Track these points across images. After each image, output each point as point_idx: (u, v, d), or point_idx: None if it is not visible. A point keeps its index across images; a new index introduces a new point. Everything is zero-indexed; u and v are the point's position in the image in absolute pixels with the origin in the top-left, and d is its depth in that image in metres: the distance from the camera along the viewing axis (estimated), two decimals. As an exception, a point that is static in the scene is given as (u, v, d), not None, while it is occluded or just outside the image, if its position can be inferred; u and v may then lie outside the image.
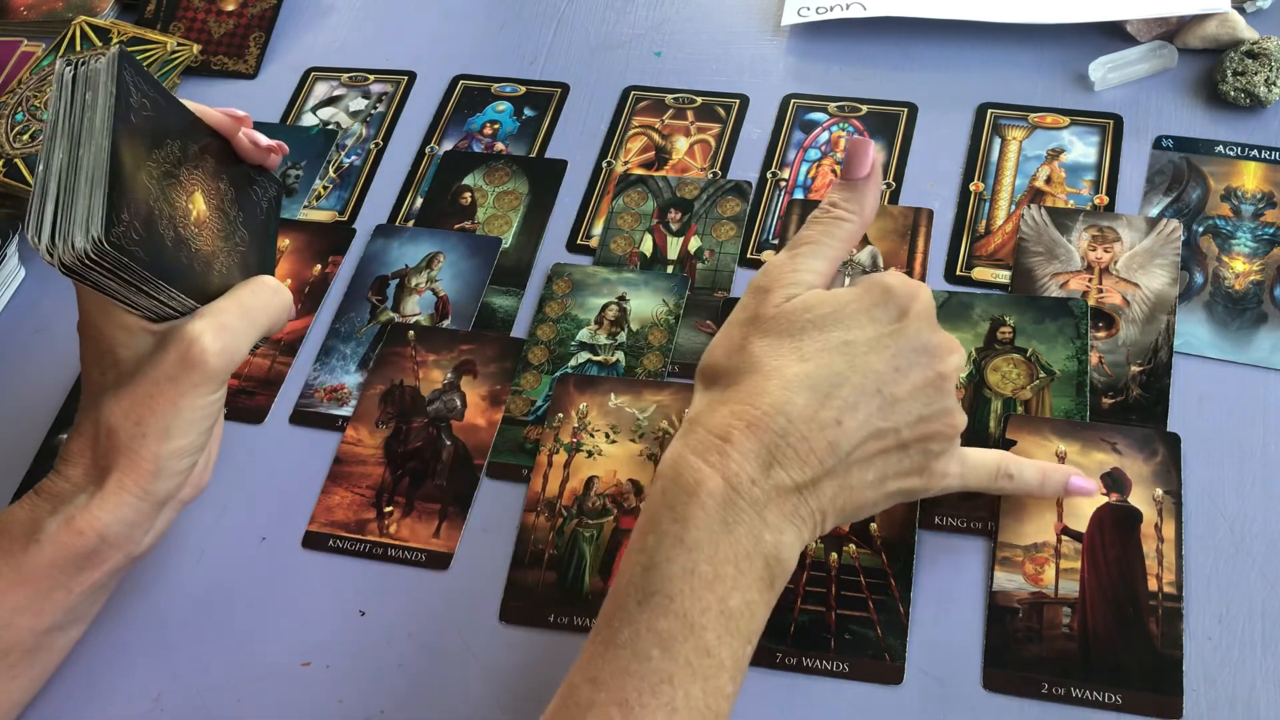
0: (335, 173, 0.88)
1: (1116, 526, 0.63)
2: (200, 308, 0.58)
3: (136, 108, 0.56)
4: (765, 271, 0.57)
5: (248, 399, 0.77)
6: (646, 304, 0.76)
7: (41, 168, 0.53)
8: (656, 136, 0.86)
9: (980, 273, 0.75)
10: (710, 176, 0.83)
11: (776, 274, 0.56)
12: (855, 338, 0.54)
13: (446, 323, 0.78)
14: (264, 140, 0.66)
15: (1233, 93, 0.78)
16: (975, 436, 0.67)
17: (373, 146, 0.89)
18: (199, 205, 0.60)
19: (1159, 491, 0.63)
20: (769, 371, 0.53)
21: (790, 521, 0.52)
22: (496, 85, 0.92)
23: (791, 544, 0.52)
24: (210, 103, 0.65)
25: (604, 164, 0.85)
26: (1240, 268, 0.72)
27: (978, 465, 0.59)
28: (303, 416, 0.75)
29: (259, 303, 0.60)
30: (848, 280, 0.75)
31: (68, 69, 0.55)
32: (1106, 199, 0.76)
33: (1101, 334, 0.70)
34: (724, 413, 0.53)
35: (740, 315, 0.56)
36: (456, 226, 0.83)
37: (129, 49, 0.90)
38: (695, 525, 0.50)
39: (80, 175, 0.53)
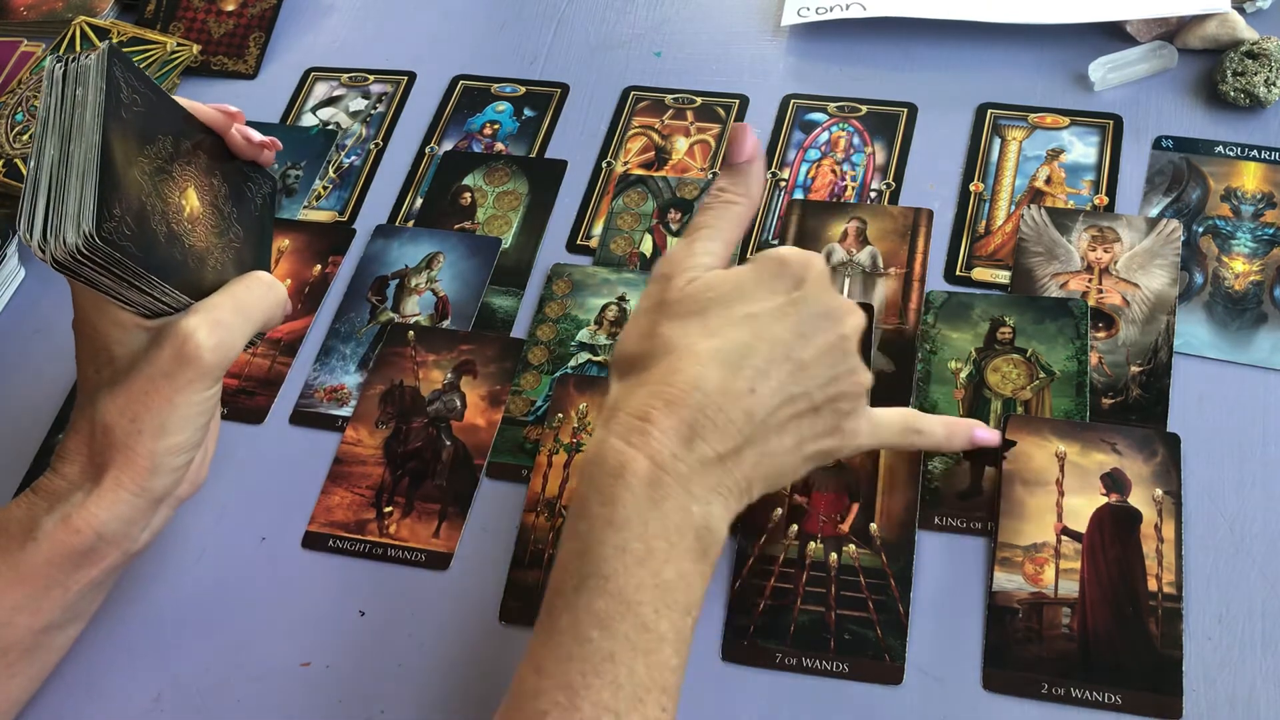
0: (335, 173, 0.88)
1: (1116, 527, 0.63)
2: (194, 303, 0.58)
3: (127, 103, 0.56)
4: (665, 259, 0.58)
5: (248, 399, 0.76)
6: (646, 304, 0.76)
7: (33, 164, 0.53)
8: (656, 137, 0.86)
9: (980, 273, 0.75)
10: (710, 177, 0.83)
11: (677, 260, 0.57)
12: (758, 310, 0.55)
13: (446, 323, 0.78)
14: (256, 136, 0.66)
15: (1233, 93, 0.78)
16: (975, 437, 0.67)
17: (373, 147, 0.89)
18: (192, 201, 0.60)
19: (1159, 492, 0.63)
20: (681, 351, 0.54)
21: (716, 493, 0.53)
22: (496, 85, 0.92)
23: (719, 514, 0.53)
24: (208, 102, 0.65)
25: (604, 164, 0.85)
26: (1240, 268, 0.72)
27: (886, 423, 0.59)
28: (303, 417, 0.75)
29: (253, 298, 0.60)
30: (847, 281, 0.75)
31: (58, 65, 0.55)
32: (1106, 199, 0.76)
33: (1101, 334, 0.70)
34: (641, 394, 0.53)
35: (646, 303, 0.57)
36: (456, 227, 0.83)
37: (128, 49, 0.90)
38: (623, 505, 0.51)
39: (71, 171, 0.53)
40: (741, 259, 0.78)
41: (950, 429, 0.62)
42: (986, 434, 0.63)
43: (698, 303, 0.55)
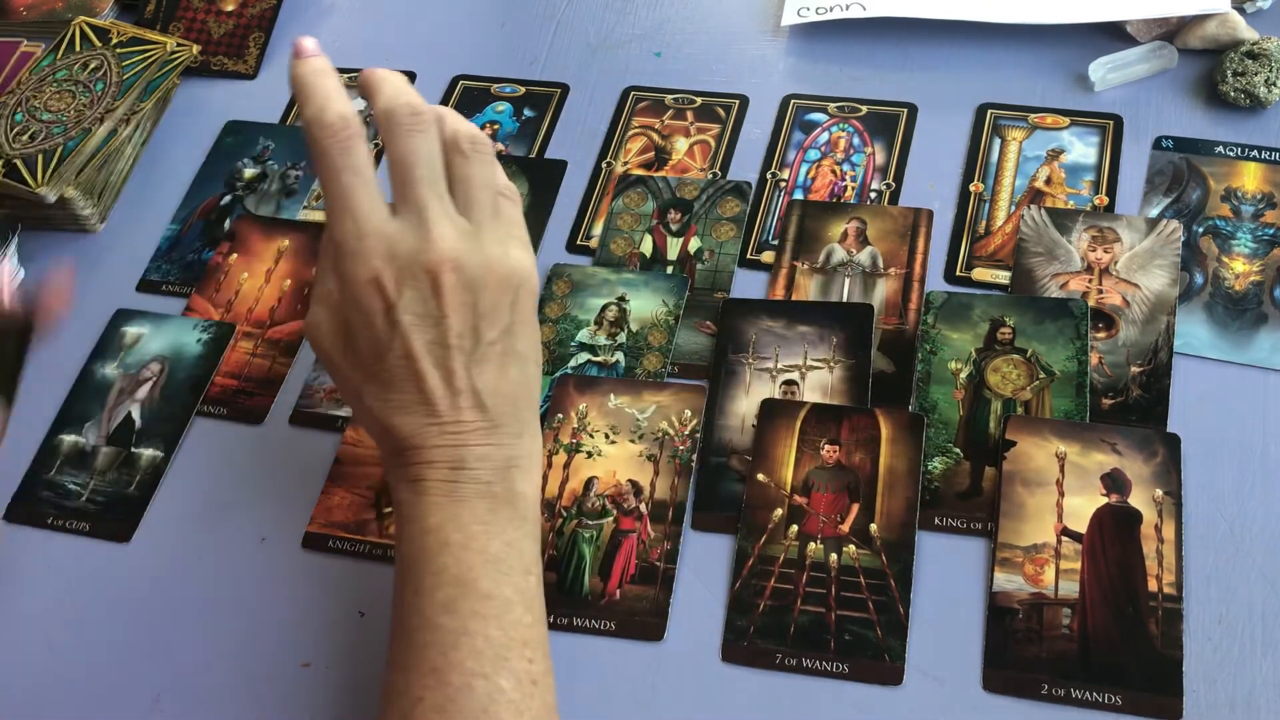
0: (335, 173, 0.88)
1: (1116, 527, 0.63)
2: None
3: None
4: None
5: (247, 399, 0.76)
6: (646, 305, 0.76)
7: None
8: (656, 137, 0.86)
9: (980, 273, 0.75)
10: (710, 177, 0.83)
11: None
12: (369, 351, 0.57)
13: (446, 323, 0.78)
14: None
15: (1233, 93, 0.78)
16: (975, 436, 0.67)
17: (372, 147, 0.89)
18: None
19: (1159, 492, 0.63)
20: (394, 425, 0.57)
21: (507, 467, 0.57)
22: (496, 86, 0.91)
23: (520, 479, 0.57)
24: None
25: (604, 164, 0.85)
26: (1240, 268, 0.72)
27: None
28: (303, 417, 0.75)
29: None
30: (847, 281, 0.75)
31: None
32: (1106, 199, 0.76)
33: (1101, 334, 0.70)
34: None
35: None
36: (456, 227, 0.83)
37: (128, 49, 0.90)
38: (430, 513, 0.55)
39: None
40: (741, 258, 0.78)
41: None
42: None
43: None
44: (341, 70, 0.94)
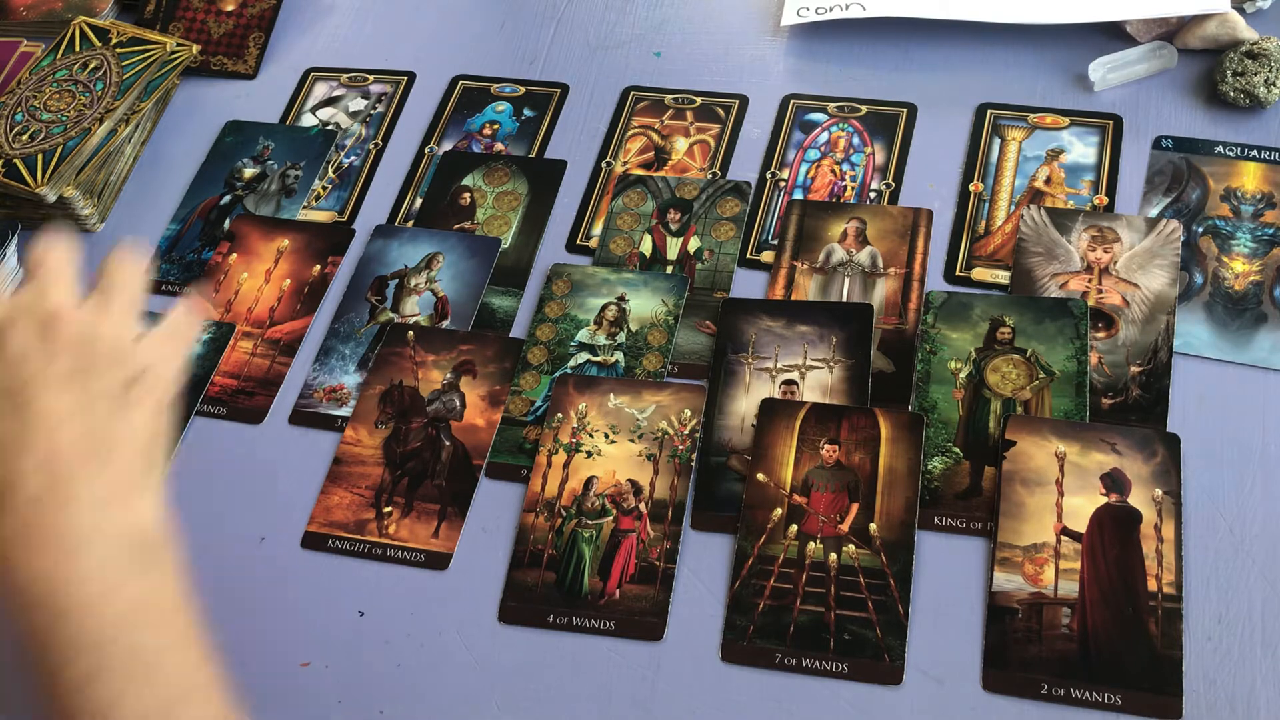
0: (334, 173, 0.88)
1: (1116, 527, 0.63)
2: None
3: None
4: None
5: (247, 399, 0.76)
6: (646, 304, 0.76)
7: None
8: (656, 137, 0.86)
9: (980, 273, 0.75)
10: (710, 177, 0.83)
11: None
12: None
13: (446, 323, 0.78)
14: None
15: (1232, 93, 0.78)
16: (975, 436, 0.67)
17: (372, 147, 0.89)
18: None
19: (1158, 492, 0.63)
20: None
21: (127, 500, 0.52)
22: (496, 85, 0.91)
23: (150, 506, 0.53)
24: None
25: (603, 164, 0.85)
26: (1240, 268, 0.72)
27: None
28: (302, 417, 0.75)
29: None
30: (847, 281, 0.75)
31: None
32: (1106, 199, 0.76)
33: (1101, 334, 0.70)
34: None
35: None
36: (456, 227, 0.83)
37: (128, 49, 0.90)
38: (42, 580, 0.49)
39: None
40: (741, 258, 0.78)
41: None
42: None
43: None
44: (341, 70, 0.94)
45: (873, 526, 0.65)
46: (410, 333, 0.77)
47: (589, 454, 0.70)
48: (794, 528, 0.65)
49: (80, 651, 0.49)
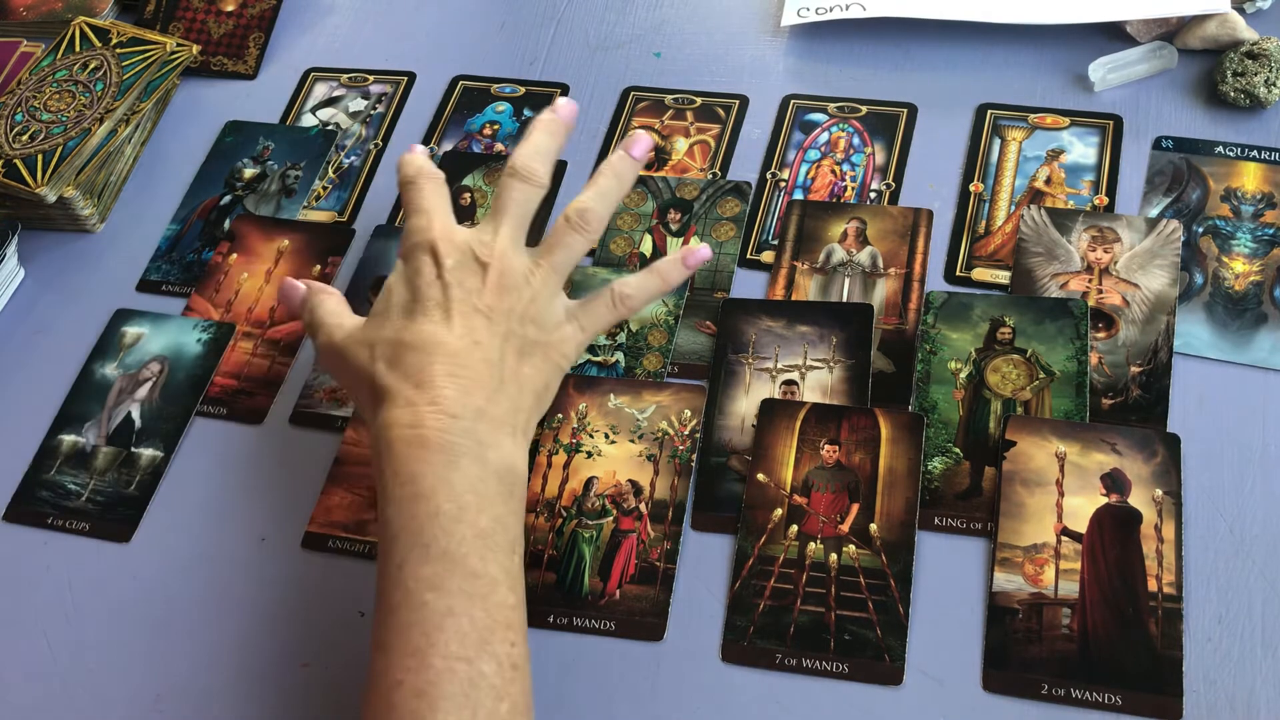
0: (335, 173, 0.88)
1: (1116, 527, 0.63)
2: None
3: None
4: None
5: (247, 399, 0.76)
6: (646, 304, 0.76)
7: None
8: (656, 137, 0.86)
9: (980, 273, 0.75)
10: (710, 177, 0.83)
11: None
12: (394, 297, 0.63)
13: (446, 323, 0.78)
14: None
15: (1232, 93, 0.78)
16: (975, 436, 0.67)
17: (372, 147, 0.89)
18: None
19: (1159, 492, 0.63)
20: (408, 341, 0.60)
21: (501, 433, 0.58)
22: (496, 86, 0.91)
23: (512, 452, 0.58)
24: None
25: (604, 164, 0.85)
26: (1240, 268, 0.72)
27: (592, 311, 0.65)
28: (302, 417, 0.75)
29: None
30: (847, 281, 0.75)
31: None
32: (1106, 199, 0.76)
33: (1101, 334, 0.70)
34: (398, 377, 0.59)
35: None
36: (456, 227, 0.83)
37: (128, 49, 0.90)
38: (424, 478, 0.55)
39: None
40: (741, 258, 0.78)
41: (660, 272, 0.67)
42: (698, 255, 0.67)
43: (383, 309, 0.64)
44: (341, 70, 0.94)
45: (873, 527, 0.65)
46: (410, 333, 0.77)
47: (589, 454, 0.70)
48: (794, 528, 0.65)
49: (437, 556, 0.53)
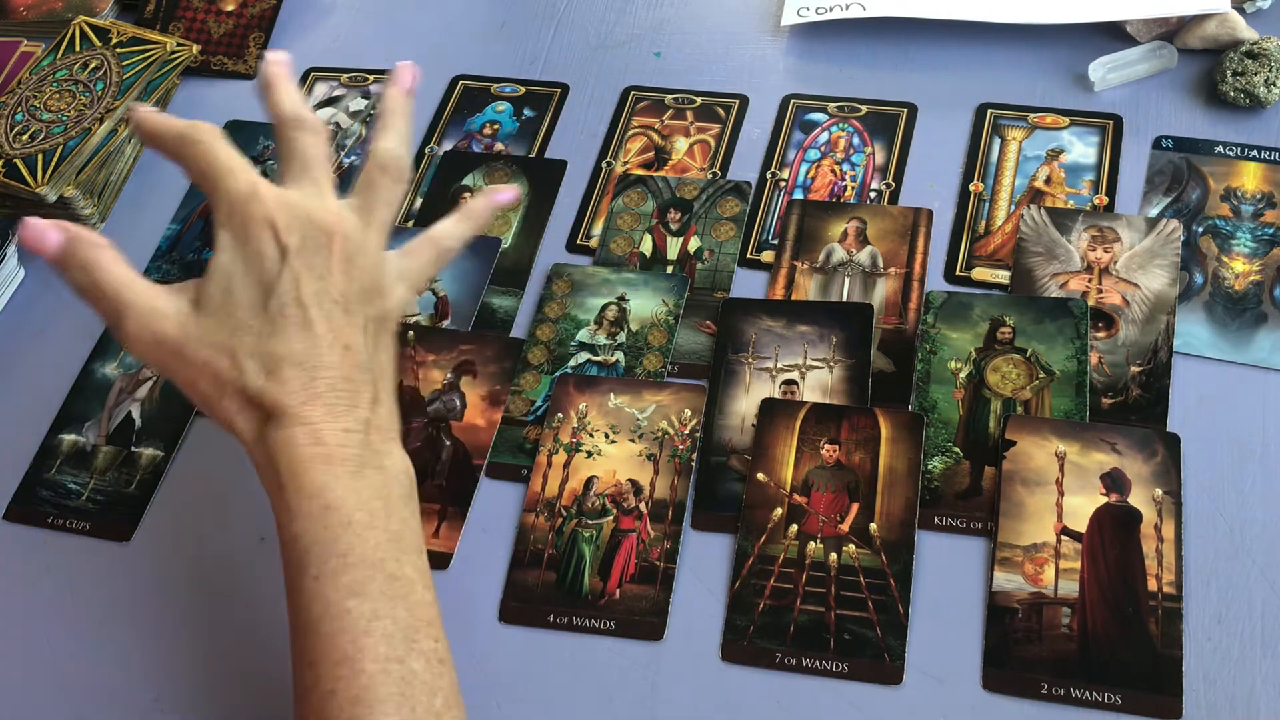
0: (335, 173, 0.88)
1: (1116, 527, 0.63)
2: None
3: None
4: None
5: (247, 399, 0.76)
6: (646, 304, 0.76)
7: None
8: (656, 137, 0.86)
9: (980, 273, 0.75)
10: (710, 177, 0.83)
11: None
12: (238, 289, 0.56)
13: (446, 323, 0.78)
14: None
15: (1232, 93, 0.78)
16: (975, 436, 0.67)
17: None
18: None
19: (1159, 492, 0.63)
20: (282, 354, 0.56)
21: (388, 438, 0.57)
22: (496, 85, 0.92)
23: (400, 453, 0.57)
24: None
25: (604, 164, 0.85)
26: (1240, 268, 0.72)
27: (418, 267, 0.62)
28: (302, 417, 0.75)
29: None
30: (847, 281, 0.75)
31: None
32: (1106, 199, 0.76)
33: (1101, 334, 0.70)
34: (289, 398, 0.55)
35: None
36: (456, 227, 0.83)
37: (128, 49, 0.90)
38: (332, 489, 0.54)
39: None
40: (741, 258, 0.78)
41: (471, 212, 0.65)
42: (505, 195, 0.67)
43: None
44: (341, 70, 0.94)
45: (873, 526, 0.65)
46: (410, 333, 0.77)
47: (589, 454, 0.70)
48: (794, 528, 0.65)
49: (355, 563, 0.53)
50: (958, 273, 0.75)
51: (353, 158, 0.89)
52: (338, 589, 0.52)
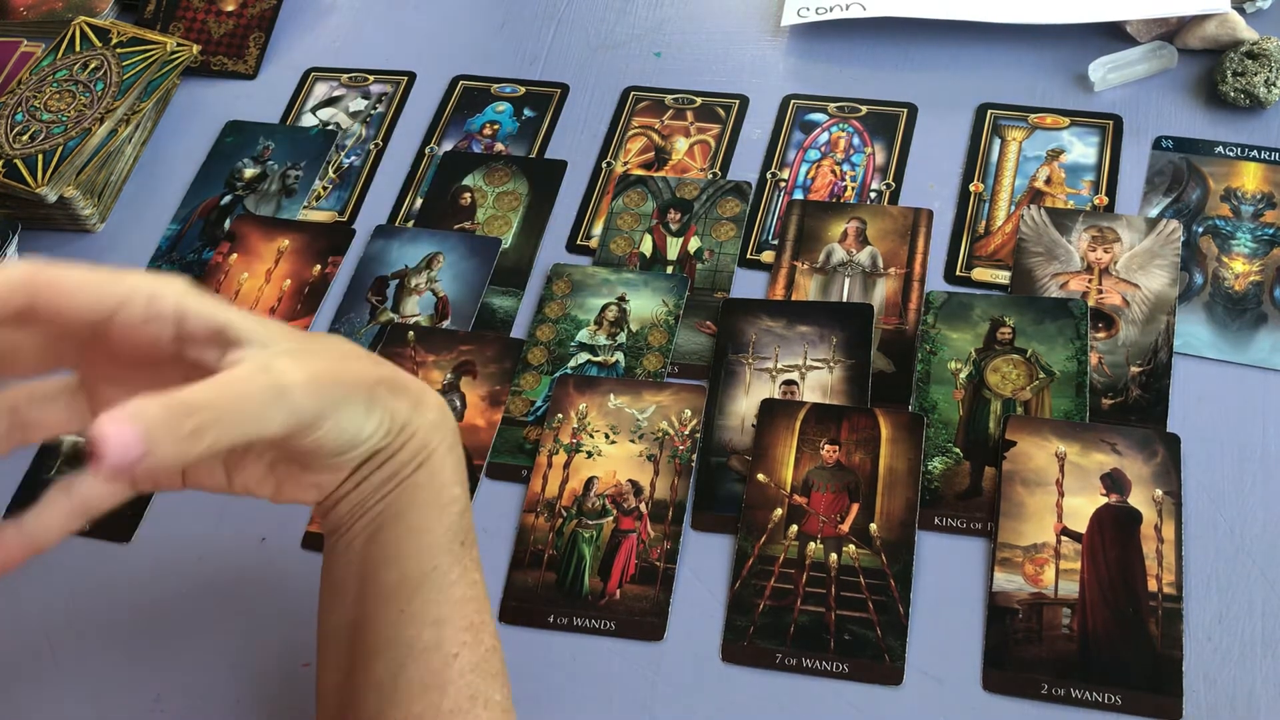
0: (335, 173, 0.88)
1: (1116, 527, 0.63)
2: None
3: None
4: None
5: (247, 399, 0.76)
6: (646, 304, 0.76)
7: None
8: (656, 137, 0.86)
9: (980, 273, 0.75)
10: (710, 177, 0.83)
11: None
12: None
13: (446, 323, 0.78)
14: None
15: (1232, 93, 0.78)
16: (975, 436, 0.67)
17: (372, 147, 0.89)
18: None
19: (1159, 492, 0.63)
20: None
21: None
22: (496, 86, 0.91)
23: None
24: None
25: (604, 164, 0.85)
26: (1240, 268, 0.72)
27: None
28: (302, 417, 0.75)
29: None
30: (847, 281, 0.75)
31: None
32: (1106, 199, 0.76)
33: (1101, 334, 0.70)
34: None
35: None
36: (456, 227, 0.83)
37: (128, 49, 0.90)
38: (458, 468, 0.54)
39: None
40: (741, 258, 0.78)
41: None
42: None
43: None
44: (341, 70, 0.94)
45: (873, 527, 0.65)
46: (411, 333, 0.77)
47: (589, 454, 0.70)
48: (794, 528, 0.65)
49: (474, 542, 0.54)
50: (958, 273, 0.75)
51: (352, 158, 0.89)
52: (474, 560, 0.54)
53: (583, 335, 0.76)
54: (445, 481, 0.53)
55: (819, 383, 0.71)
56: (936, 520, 0.65)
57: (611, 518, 0.68)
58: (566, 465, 0.70)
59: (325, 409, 0.47)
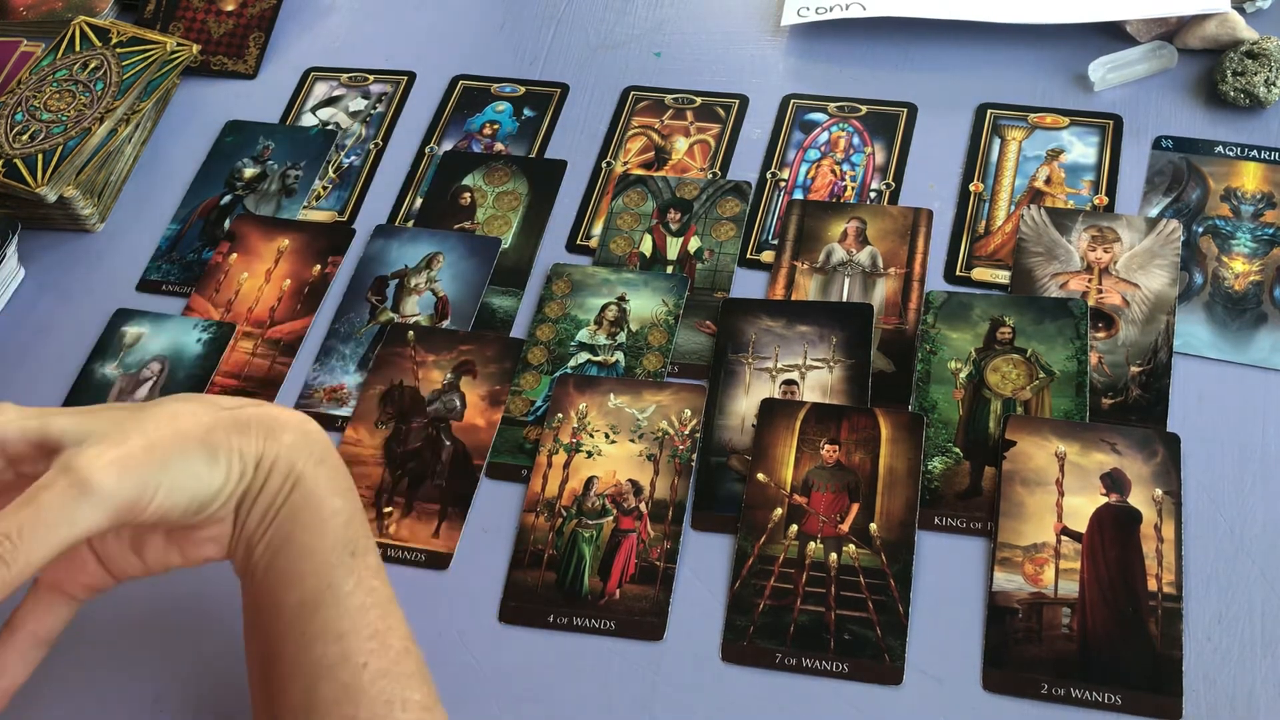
0: (335, 173, 0.88)
1: (1116, 527, 0.63)
2: None
3: None
4: None
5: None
6: (646, 304, 0.76)
7: None
8: (656, 137, 0.86)
9: (980, 273, 0.75)
10: (710, 177, 0.83)
11: None
12: None
13: (446, 323, 0.78)
14: None
15: (1232, 93, 0.78)
16: (975, 436, 0.67)
17: (372, 147, 0.89)
18: None
19: (1158, 492, 0.63)
20: None
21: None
22: (496, 85, 0.91)
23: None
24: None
25: (603, 164, 0.85)
26: (1240, 268, 0.72)
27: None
28: (302, 417, 0.75)
29: None
30: (847, 281, 0.75)
31: None
32: (1106, 199, 0.76)
33: (1101, 334, 0.70)
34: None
35: None
36: (456, 227, 0.83)
37: (128, 49, 0.90)
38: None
39: None
40: (741, 258, 0.78)
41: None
42: None
43: None
44: (341, 70, 0.94)
45: (873, 526, 0.65)
46: (410, 333, 0.77)
47: (589, 454, 0.70)
48: (794, 528, 0.65)
49: (373, 552, 0.55)
50: (958, 273, 0.75)
51: (352, 158, 0.89)
52: (368, 568, 0.54)
53: (583, 335, 0.76)
54: (322, 496, 0.54)
55: (819, 382, 0.71)
56: (936, 520, 0.65)
57: (611, 517, 0.68)
58: (566, 465, 0.70)
59: (147, 481, 0.49)
